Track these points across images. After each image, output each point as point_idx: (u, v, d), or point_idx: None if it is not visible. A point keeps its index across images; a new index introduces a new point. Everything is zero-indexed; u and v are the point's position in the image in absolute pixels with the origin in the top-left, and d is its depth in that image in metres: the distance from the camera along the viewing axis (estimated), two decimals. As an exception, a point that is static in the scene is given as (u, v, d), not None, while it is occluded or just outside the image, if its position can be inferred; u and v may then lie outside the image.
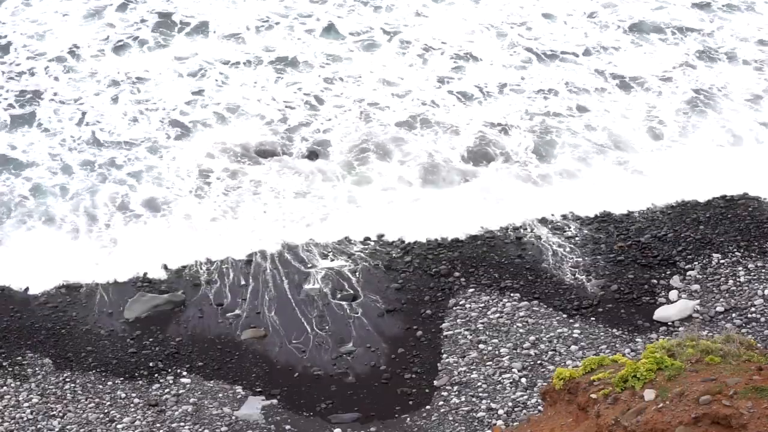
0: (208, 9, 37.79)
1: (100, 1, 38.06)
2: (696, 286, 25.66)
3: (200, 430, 22.41)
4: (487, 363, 23.81)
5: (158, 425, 22.47)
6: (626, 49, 36.02)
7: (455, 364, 23.89)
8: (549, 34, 36.77)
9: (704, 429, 13.60)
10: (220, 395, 23.40)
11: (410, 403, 23.25)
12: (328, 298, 25.95)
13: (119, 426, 22.43)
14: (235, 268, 26.84)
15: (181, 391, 23.41)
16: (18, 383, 23.43)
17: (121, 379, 23.73)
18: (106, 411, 22.80)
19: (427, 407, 23.03)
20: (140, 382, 23.66)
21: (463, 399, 23.01)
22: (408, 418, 22.80)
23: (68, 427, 22.39)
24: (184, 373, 23.94)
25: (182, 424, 22.51)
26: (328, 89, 33.76)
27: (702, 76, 34.64)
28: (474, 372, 23.61)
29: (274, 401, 23.32)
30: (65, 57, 35.08)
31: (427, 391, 23.47)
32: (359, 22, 37.26)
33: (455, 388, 23.30)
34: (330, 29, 36.77)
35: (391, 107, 32.93)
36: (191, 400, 23.18)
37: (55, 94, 33.33)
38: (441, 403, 23.04)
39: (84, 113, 32.44)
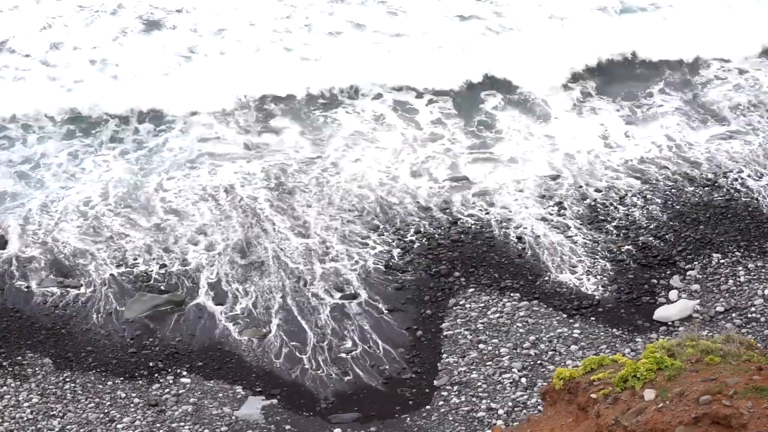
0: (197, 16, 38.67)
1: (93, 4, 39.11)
2: (696, 286, 25.66)
3: (200, 430, 22.42)
4: (487, 363, 23.81)
5: (158, 425, 22.47)
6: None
7: (455, 364, 23.89)
8: (518, 18, 38.14)
9: (704, 429, 13.59)
10: (220, 395, 23.39)
11: (410, 403, 23.25)
12: (328, 298, 25.95)
13: (119, 426, 22.44)
14: (236, 267, 26.86)
15: (181, 391, 23.41)
16: (18, 383, 23.43)
17: (121, 379, 23.72)
18: (106, 411, 22.81)
19: (427, 407, 23.03)
20: (140, 382, 23.65)
21: (463, 399, 23.01)
22: (408, 418, 22.80)
23: (68, 427, 22.39)
24: (184, 373, 23.94)
25: (182, 424, 22.51)
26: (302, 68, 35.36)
27: None
28: (474, 372, 23.61)
29: (274, 401, 23.31)
30: (51, 50, 35.99)
31: (427, 391, 23.47)
32: (331, 16, 38.50)
33: (455, 388, 23.29)
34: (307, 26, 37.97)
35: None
36: (191, 400, 23.18)
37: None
38: (441, 403, 23.04)
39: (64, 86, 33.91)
